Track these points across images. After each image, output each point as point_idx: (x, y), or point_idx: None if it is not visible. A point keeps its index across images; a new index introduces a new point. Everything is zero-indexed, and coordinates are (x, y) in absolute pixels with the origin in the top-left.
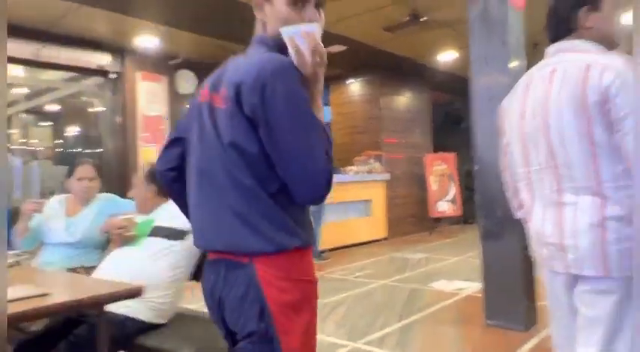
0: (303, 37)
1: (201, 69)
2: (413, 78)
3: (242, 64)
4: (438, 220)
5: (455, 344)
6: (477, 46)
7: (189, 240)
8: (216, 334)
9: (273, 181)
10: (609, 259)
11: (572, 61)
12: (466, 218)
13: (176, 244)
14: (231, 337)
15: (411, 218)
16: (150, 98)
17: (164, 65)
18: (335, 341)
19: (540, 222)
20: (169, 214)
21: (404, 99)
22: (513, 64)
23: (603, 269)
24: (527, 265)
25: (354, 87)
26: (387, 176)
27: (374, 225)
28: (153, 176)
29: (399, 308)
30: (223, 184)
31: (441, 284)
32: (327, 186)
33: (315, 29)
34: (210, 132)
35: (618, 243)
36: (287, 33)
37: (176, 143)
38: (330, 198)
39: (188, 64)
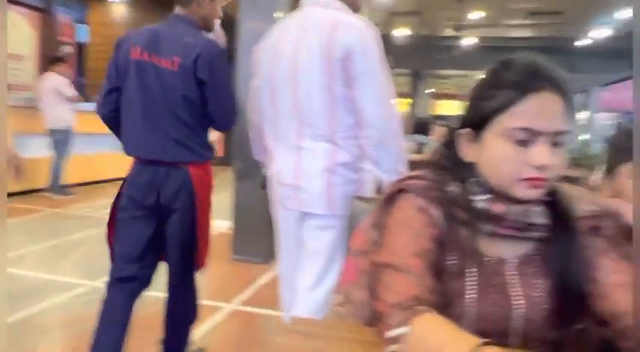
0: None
1: None
2: None
3: (188, 41)
4: None
5: (202, 277)
6: None
7: None
8: None
9: (200, 117)
10: (334, 199)
11: (323, 15)
12: (228, 159)
13: None
14: (160, 211)
15: None
16: None
17: None
18: (71, 280)
19: (281, 165)
20: None
21: None
22: (279, 14)
23: (329, 208)
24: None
25: (118, 8)
26: None
27: (129, 159)
28: None
29: None
30: (168, 119)
31: None
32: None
33: None
34: (155, 84)
35: (343, 185)
36: (217, 24)
37: (113, 91)
38: (77, 127)
39: None
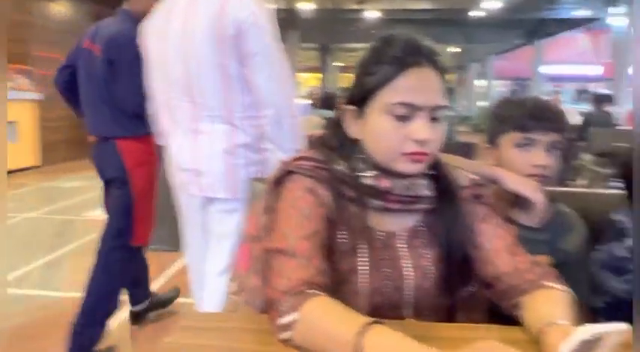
0: None
1: None
2: None
3: (110, 29)
4: None
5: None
6: None
7: None
8: None
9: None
10: (237, 182)
11: None
12: None
13: None
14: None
15: (68, 143)
16: None
17: None
18: None
19: (179, 149)
20: None
21: (61, 8)
22: None
23: (232, 191)
24: None
25: None
26: (38, 95)
27: (21, 151)
28: None
29: (46, 242)
30: (98, 99)
31: (97, 214)
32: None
33: None
34: (91, 70)
35: (245, 167)
36: None
37: (67, 67)
38: None
39: None
